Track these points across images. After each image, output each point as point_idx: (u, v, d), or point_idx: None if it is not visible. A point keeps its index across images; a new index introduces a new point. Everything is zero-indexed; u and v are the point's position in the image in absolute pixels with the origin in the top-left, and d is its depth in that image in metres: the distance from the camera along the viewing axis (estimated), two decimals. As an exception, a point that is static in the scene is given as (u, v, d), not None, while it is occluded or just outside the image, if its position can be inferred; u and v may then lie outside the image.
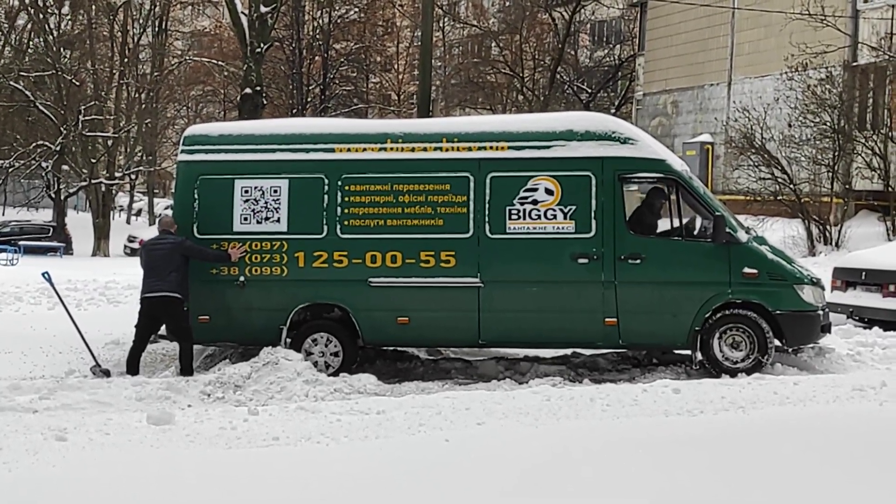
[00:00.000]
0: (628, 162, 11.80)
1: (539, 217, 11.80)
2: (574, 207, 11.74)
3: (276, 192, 12.16)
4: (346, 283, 11.99)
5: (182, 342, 12.01)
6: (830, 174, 25.75)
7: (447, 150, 12.06)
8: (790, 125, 26.39)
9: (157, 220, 56.74)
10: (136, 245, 43.43)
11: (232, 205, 12.21)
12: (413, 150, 12.12)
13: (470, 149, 12.01)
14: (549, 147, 11.91)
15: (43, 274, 13.39)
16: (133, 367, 12.00)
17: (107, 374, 11.96)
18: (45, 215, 49.23)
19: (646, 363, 12.67)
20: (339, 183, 12.09)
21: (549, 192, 11.80)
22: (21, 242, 36.65)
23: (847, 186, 26.28)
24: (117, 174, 46.53)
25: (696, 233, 12.00)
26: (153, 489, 6.05)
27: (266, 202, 12.17)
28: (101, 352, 12.94)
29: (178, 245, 11.97)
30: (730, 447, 6.74)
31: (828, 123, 25.66)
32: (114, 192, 48.48)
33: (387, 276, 11.94)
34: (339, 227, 12.05)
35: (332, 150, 12.21)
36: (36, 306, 17.16)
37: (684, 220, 12.05)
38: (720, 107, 33.92)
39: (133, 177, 54.60)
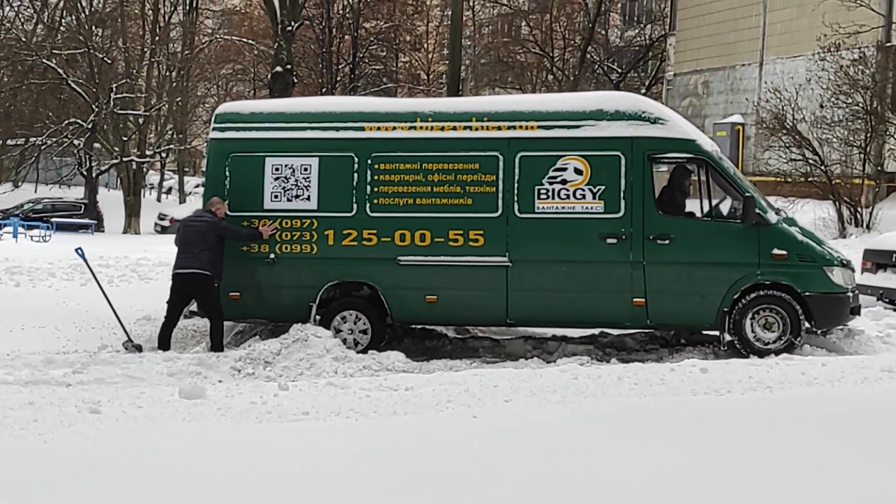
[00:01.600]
0: (658, 142, 11.78)
1: (568, 197, 11.80)
2: (603, 187, 11.74)
3: (306, 170, 12.24)
4: (375, 261, 12.05)
5: (212, 319, 12.12)
6: (862, 156, 25.52)
7: (477, 129, 12.09)
8: (822, 106, 26.18)
9: (185, 197, 57.10)
10: (166, 223, 43.73)
11: (262, 182, 12.29)
12: (443, 128, 12.15)
13: (499, 128, 12.03)
14: (578, 127, 11.90)
15: (76, 249, 13.54)
16: (164, 342, 12.14)
17: (139, 349, 12.10)
18: (76, 193, 49.52)
19: (674, 343, 12.68)
20: (369, 161, 12.14)
21: (578, 171, 11.80)
22: (53, 220, 36.98)
23: (879, 168, 26.05)
24: (148, 152, 46.82)
25: (725, 213, 11.97)
26: (186, 461, 6.15)
27: (296, 180, 12.25)
28: (133, 327, 13.09)
29: (214, 225, 12.08)
30: (756, 426, 6.77)
31: (860, 104, 25.43)
32: (145, 169, 48.75)
33: (416, 254, 12.00)
34: (368, 205, 12.11)
35: (363, 129, 12.26)
36: (69, 282, 17.34)
37: (714, 201, 12.01)
38: (751, 87, 33.68)
39: (164, 155, 54.87)
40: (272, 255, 12.21)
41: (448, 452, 6.34)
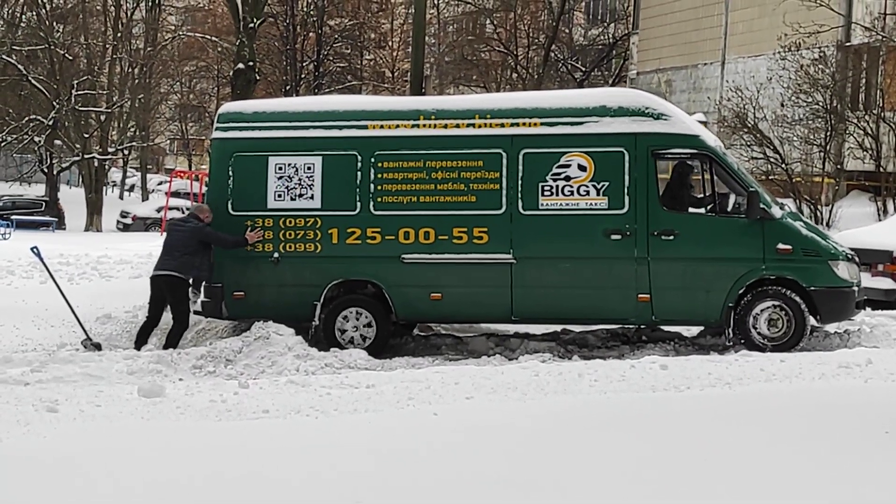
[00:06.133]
0: (662, 138, 11.80)
1: (572, 193, 11.81)
2: (607, 184, 11.75)
3: (309, 169, 12.21)
4: (380, 259, 12.05)
5: (176, 322, 12.15)
6: (822, 154, 25.76)
7: (480, 126, 12.10)
8: (783, 105, 26.39)
9: (148, 194, 56.66)
10: (128, 220, 43.48)
11: (266, 182, 12.26)
12: (446, 126, 12.16)
13: (503, 125, 12.03)
14: (581, 123, 11.93)
15: (32, 248, 13.41)
16: (141, 340, 12.20)
17: (98, 347, 12.03)
18: (37, 190, 49.07)
19: (635, 340, 12.74)
20: (373, 160, 12.12)
21: (581, 168, 11.81)
22: (13, 217, 36.62)
23: (839, 166, 26.29)
24: (110, 149, 46.42)
25: (729, 209, 11.97)
26: (144, 460, 6.11)
27: (300, 179, 12.23)
28: (93, 326, 12.99)
29: (197, 230, 12.15)
30: (714, 422, 6.82)
31: (820, 103, 25.64)
32: (106, 167, 48.35)
33: (420, 252, 12.00)
34: (372, 203, 12.09)
35: (366, 127, 12.25)
36: (28, 280, 17.17)
37: (718, 196, 12.02)
38: (713, 86, 33.88)
39: (126, 152, 54.41)
40: (276, 254, 12.18)
41: (408, 450, 6.34)
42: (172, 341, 12.05)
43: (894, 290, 14.85)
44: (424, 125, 12.20)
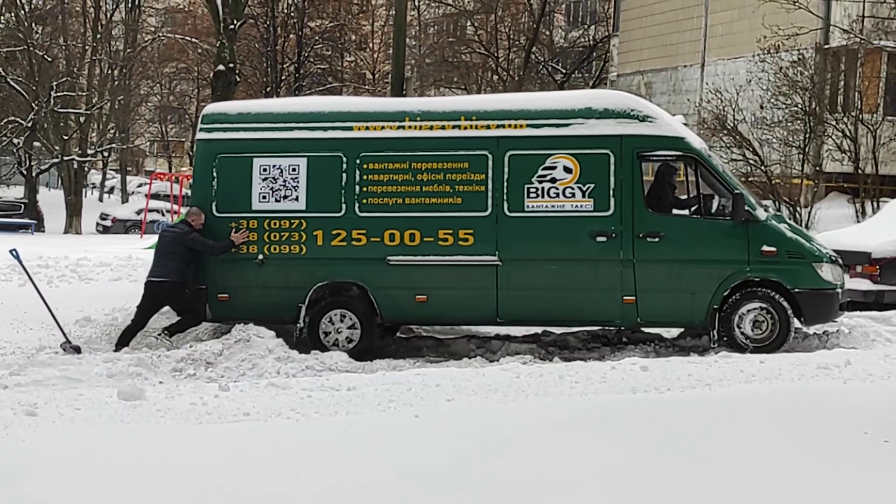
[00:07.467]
0: (647, 140, 11.85)
1: (557, 195, 11.83)
2: (592, 186, 11.78)
3: (294, 170, 12.20)
4: (365, 261, 12.04)
5: (185, 315, 12.27)
6: (801, 156, 25.89)
7: (466, 128, 12.10)
8: (762, 107, 26.51)
9: (128, 196, 56.44)
10: (108, 223, 43.29)
11: (250, 183, 12.25)
12: (431, 128, 12.16)
13: (488, 127, 12.05)
14: (567, 125, 11.95)
15: (11, 251, 13.32)
16: (124, 342, 12.15)
17: (77, 350, 11.96)
18: (16, 192, 48.80)
19: (616, 342, 12.77)
20: (358, 161, 12.11)
21: (567, 170, 11.83)
22: (-8, 219, 36.43)
23: (817, 168, 26.45)
24: (90, 151, 46.22)
25: (714, 211, 12.04)
26: (123, 463, 6.09)
27: (284, 180, 12.22)
28: (72, 328, 12.90)
29: (182, 236, 12.18)
30: (693, 423, 6.85)
31: (799, 105, 25.77)
32: (86, 169, 48.16)
33: (405, 254, 11.99)
34: (357, 205, 12.09)
35: (351, 129, 12.25)
36: (6, 283, 17.05)
37: (703, 198, 12.06)
38: (693, 88, 34.00)
39: (106, 154, 54.21)
40: (261, 256, 12.16)
41: (390, 453, 6.34)
42: (178, 328, 12.23)
43: (872, 292, 14.99)
44: (410, 126, 12.20)
